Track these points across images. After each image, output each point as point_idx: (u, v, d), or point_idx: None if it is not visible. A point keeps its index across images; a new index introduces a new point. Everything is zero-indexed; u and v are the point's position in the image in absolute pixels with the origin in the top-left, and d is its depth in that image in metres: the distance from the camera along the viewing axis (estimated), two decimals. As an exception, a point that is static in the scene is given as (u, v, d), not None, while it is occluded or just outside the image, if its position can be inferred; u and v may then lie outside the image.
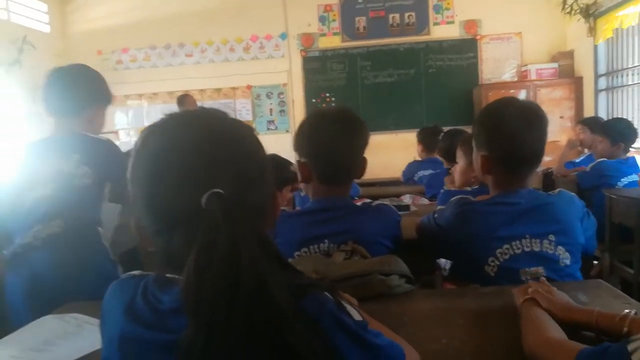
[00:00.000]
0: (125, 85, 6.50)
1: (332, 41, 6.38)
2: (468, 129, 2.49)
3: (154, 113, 6.45)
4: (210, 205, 0.59)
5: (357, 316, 0.68)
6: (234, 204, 0.60)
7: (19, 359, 1.02)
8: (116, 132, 6.57)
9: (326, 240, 1.37)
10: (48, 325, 1.18)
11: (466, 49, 6.23)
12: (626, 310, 0.90)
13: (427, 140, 3.56)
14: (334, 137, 1.37)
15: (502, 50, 6.20)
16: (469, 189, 2.14)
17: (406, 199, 2.60)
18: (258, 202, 0.69)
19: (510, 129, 1.33)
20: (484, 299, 1.19)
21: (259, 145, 0.74)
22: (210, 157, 0.65)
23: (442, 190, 2.20)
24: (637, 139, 3.25)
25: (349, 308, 0.67)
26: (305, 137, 1.41)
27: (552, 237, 1.33)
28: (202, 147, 0.65)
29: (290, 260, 1.37)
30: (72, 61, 6.83)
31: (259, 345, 0.57)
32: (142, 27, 6.44)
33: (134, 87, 6.45)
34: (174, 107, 6.24)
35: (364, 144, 1.44)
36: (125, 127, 6.62)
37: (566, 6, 5.40)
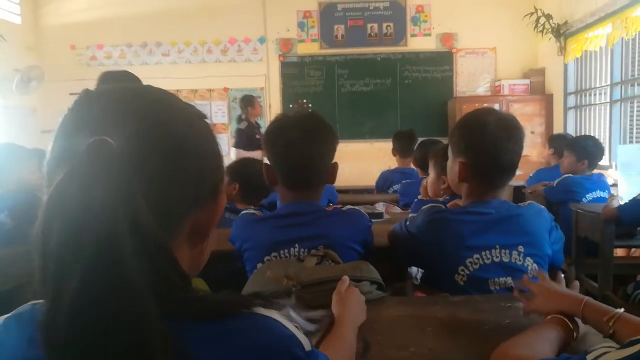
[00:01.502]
0: (99, 82, 6.37)
1: (311, 47, 6.40)
2: (443, 140, 2.52)
3: (127, 111, 6.35)
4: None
5: (307, 344, 0.57)
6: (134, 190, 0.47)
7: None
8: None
9: (297, 245, 1.37)
10: None
11: (442, 61, 6.34)
12: (616, 310, 0.89)
13: (402, 145, 3.59)
14: (295, 141, 1.36)
15: (477, 64, 6.33)
16: (440, 199, 2.16)
17: (379, 207, 2.62)
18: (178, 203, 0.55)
19: (490, 137, 1.35)
20: (454, 308, 1.20)
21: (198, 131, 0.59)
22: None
23: (415, 200, 2.21)
24: (602, 157, 3.35)
25: (299, 333, 0.56)
26: (267, 141, 1.41)
27: (521, 248, 1.35)
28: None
29: (260, 264, 1.36)
30: (44, 55, 6.72)
31: None
32: (118, 24, 6.34)
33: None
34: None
35: (330, 148, 1.43)
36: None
37: (539, 25, 5.55)
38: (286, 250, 1.37)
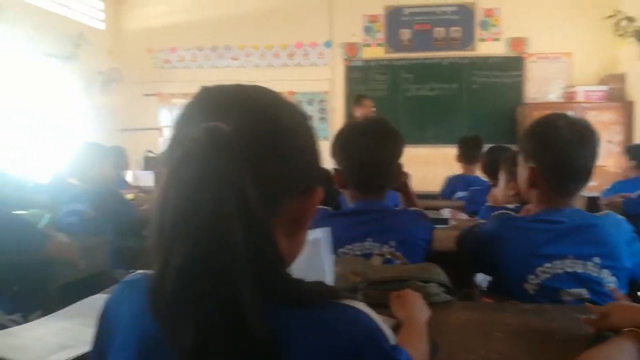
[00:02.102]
0: (171, 83, 6.69)
1: (376, 52, 6.40)
2: (511, 147, 2.47)
3: (197, 112, 6.62)
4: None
5: (392, 337, 0.57)
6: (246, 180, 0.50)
7: (71, 330, 1.08)
8: (160, 129, 6.77)
9: (369, 239, 1.42)
10: (98, 303, 1.23)
11: (511, 66, 6.14)
12: None
13: (467, 151, 3.51)
14: (366, 147, 1.44)
15: (549, 69, 6.08)
16: (510, 206, 2.12)
17: (445, 213, 2.59)
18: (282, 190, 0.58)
19: (562, 140, 1.32)
20: (524, 315, 1.18)
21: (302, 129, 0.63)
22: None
23: (484, 206, 2.18)
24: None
25: (384, 326, 0.56)
26: (339, 147, 1.49)
27: (597, 260, 1.30)
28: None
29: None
30: (124, 58, 7.11)
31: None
32: (191, 28, 6.62)
33: (179, 85, 6.63)
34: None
35: (397, 153, 1.52)
36: (169, 124, 6.80)
37: (619, 28, 5.26)
38: (358, 244, 1.42)
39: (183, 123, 0.58)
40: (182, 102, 6.73)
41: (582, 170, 1.34)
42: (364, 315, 0.55)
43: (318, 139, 0.65)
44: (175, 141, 0.56)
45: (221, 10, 6.56)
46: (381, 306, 1.13)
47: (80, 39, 5.83)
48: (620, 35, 5.30)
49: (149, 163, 5.72)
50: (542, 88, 6.11)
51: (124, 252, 2.66)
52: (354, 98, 5.32)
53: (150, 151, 5.85)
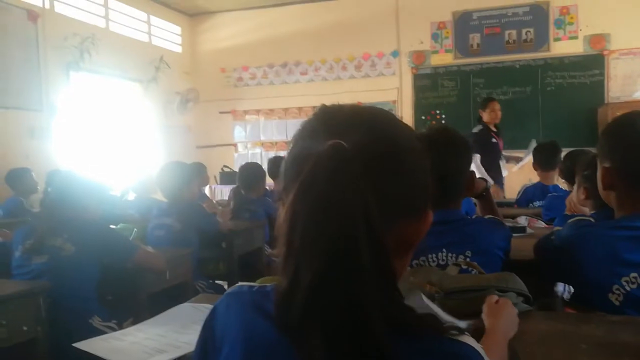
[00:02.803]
0: (244, 101, 6.97)
1: (444, 58, 6.32)
2: (592, 151, 2.34)
3: (270, 128, 6.84)
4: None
5: None
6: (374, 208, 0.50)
7: (164, 337, 1.17)
8: (234, 145, 7.05)
9: (444, 250, 1.41)
10: (185, 312, 1.33)
11: (591, 65, 5.84)
12: None
13: (543, 157, 3.37)
14: (434, 160, 1.41)
15: (634, 66, 5.71)
16: (587, 212, 2.02)
17: (522, 221, 2.50)
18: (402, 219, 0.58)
19: (636, 135, 1.26)
20: (612, 327, 1.12)
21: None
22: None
23: (562, 214, 2.09)
24: None
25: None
26: None
27: None
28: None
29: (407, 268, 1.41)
30: (199, 78, 7.52)
31: None
32: (260, 47, 6.88)
33: (252, 102, 6.89)
34: (289, 123, 6.56)
35: (466, 163, 1.50)
36: (242, 140, 7.07)
37: None
38: (434, 255, 1.41)
39: (304, 139, 0.59)
40: (255, 118, 7.01)
41: None
42: (473, 353, 0.53)
43: (429, 161, 0.64)
44: (299, 157, 0.57)
45: (288, 27, 6.76)
46: (457, 316, 1.13)
47: (160, 62, 6.23)
48: None
49: (225, 177, 5.97)
50: (627, 86, 5.74)
51: (205, 264, 2.80)
52: (480, 102, 5.09)
53: (226, 166, 6.12)
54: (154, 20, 6.57)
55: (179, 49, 7.08)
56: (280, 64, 6.90)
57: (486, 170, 3.84)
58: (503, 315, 1.05)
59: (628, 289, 1.25)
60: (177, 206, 2.77)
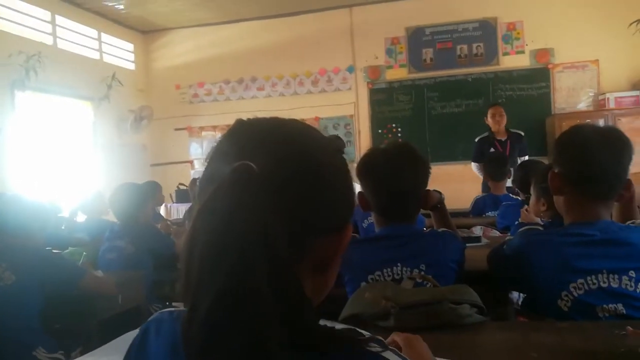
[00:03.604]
0: (200, 117, 6.88)
1: (399, 73, 6.44)
2: (543, 160, 2.43)
3: (226, 144, 6.76)
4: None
5: None
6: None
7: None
8: (191, 162, 6.93)
9: (399, 264, 1.41)
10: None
11: (537, 78, 6.07)
12: None
13: (493, 169, 3.48)
14: (391, 175, 1.44)
15: (577, 78, 5.98)
16: (540, 222, 2.08)
17: (477, 231, 2.55)
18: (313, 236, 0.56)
19: (584, 143, 1.31)
20: (561, 334, 1.15)
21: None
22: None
23: (516, 223, 2.15)
24: None
25: None
26: (364, 173, 1.50)
27: (632, 274, 1.26)
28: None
29: (362, 284, 1.40)
30: (154, 96, 7.39)
31: None
32: (216, 63, 6.82)
33: (208, 119, 6.81)
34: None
35: (422, 179, 1.51)
36: (199, 157, 6.95)
37: (647, 32, 5.16)
38: (389, 269, 1.42)
39: (215, 159, 0.58)
40: (212, 134, 6.92)
41: (607, 174, 1.30)
42: None
43: (350, 176, 0.63)
44: (206, 178, 0.56)
45: (244, 43, 6.74)
46: (413, 330, 1.13)
47: (113, 80, 6.08)
48: (648, 39, 5.19)
49: (181, 196, 5.85)
50: (571, 98, 6.00)
51: (160, 286, 2.71)
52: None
53: (181, 184, 6.00)
54: (105, 37, 6.41)
55: (132, 66, 6.93)
56: (236, 79, 6.86)
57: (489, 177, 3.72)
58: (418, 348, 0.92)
59: (576, 294, 1.28)
60: (131, 228, 2.69)
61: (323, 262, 0.59)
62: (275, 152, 0.55)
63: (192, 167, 6.90)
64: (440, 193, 1.76)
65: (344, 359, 0.51)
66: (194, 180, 4.02)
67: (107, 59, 6.41)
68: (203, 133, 6.94)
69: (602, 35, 5.82)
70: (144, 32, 7.08)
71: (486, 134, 4.80)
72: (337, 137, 0.92)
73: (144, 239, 2.67)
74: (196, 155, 6.95)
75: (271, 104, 6.62)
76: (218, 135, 7.09)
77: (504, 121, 4.73)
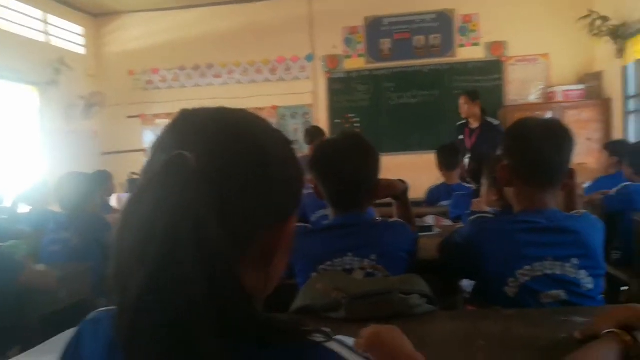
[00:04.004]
0: (155, 104, 6.68)
1: (357, 63, 6.45)
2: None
3: (182, 132, 6.60)
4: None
5: None
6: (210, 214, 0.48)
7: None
8: (144, 150, 6.74)
9: (349, 254, 1.42)
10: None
11: (491, 70, 6.21)
12: None
13: (445, 159, 3.54)
14: (341, 165, 1.46)
15: (528, 71, 6.16)
16: (491, 210, 2.12)
17: (429, 220, 2.59)
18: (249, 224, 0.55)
19: (528, 135, 1.36)
20: (507, 322, 1.17)
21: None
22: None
23: (467, 212, 2.19)
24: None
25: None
26: (316, 164, 1.50)
27: (575, 261, 1.30)
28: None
29: (313, 274, 1.39)
30: (106, 81, 7.11)
31: None
32: (172, 49, 6.63)
33: (162, 106, 6.61)
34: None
35: (372, 168, 1.52)
36: (153, 145, 6.76)
37: (594, 28, 5.35)
38: (339, 259, 1.42)
39: (156, 149, 0.56)
40: (166, 122, 6.68)
41: (553, 164, 1.35)
42: (333, 356, 0.52)
43: (299, 167, 0.62)
44: (145, 169, 0.55)
45: (201, 29, 6.58)
46: (365, 321, 1.13)
47: (61, 64, 5.80)
48: (595, 34, 5.39)
49: (133, 185, 5.68)
50: (522, 90, 6.18)
51: (108, 279, 2.62)
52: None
53: (134, 173, 5.82)
54: (53, 19, 6.10)
55: (82, 50, 6.64)
56: (192, 66, 6.69)
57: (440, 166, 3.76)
58: (390, 339, 0.90)
59: (522, 281, 1.32)
60: (77, 219, 2.59)
61: (266, 254, 0.58)
62: (216, 142, 0.54)
63: (146, 155, 6.69)
64: (404, 182, 1.77)
65: (282, 350, 0.50)
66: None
67: (54, 42, 6.11)
68: (157, 121, 6.74)
69: (553, 30, 6.01)
70: (95, 15, 6.79)
71: (464, 120, 4.92)
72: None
73: (92, 230, 2.57)
74: (149, 143, 6.74)
75: (228, 92, 6.50)
76: (173, 123, 6.89)
77: (465, 110, 4.87)
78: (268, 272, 0.59)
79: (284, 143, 0.61)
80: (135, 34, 6.77)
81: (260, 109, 6.51)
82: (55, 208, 2.87)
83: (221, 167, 0.52)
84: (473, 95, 4.93)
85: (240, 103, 6.88)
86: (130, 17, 6.78)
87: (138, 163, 5.90)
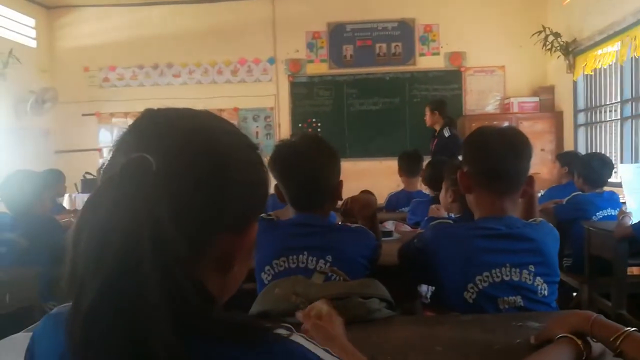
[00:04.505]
0: (111, 103, 6.48)
1: (320, 68, 6.47)
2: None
3: (139, 132, 6.43)
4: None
5: None
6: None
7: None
8: (99, 150, 6.52)
9: (305, 252, 1.41)
10: (19, 343, 1.15)
11: (451, 80, 6.36)
12: (625, 328, 0.86)
13: (407, 165, 3.58)
14: (296, 167, 1.48)
15: (486, 82, 6.34)
16: (451, 215, 2.16)
17: (389, 225, 2.61)
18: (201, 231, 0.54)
19: (487, 143, 1.39)
20: (463, 327, 1.18)
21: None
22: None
23: (426, 218, 2.21)
24: (609, 175, 3.30)
25: (327, 357, 0.54)
26: (276, 166, 1.49)
27: (532, 268, 1.33)
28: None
29: (267, 267, 1.39)
30: (59, 77, 6.83)
31: None
32: (130, 46, 6.46)
33: (119, 105, 6.43)
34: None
35: (332, 170, 1.51)
36: (108, 144, 6.56)
37: (547, 43, 5.56)
38: (295, 257, 1.42)
39: (118, 150, 0.55)
40: (123, 121, 6.55)
41: (511, 171, 1.37)
42: (303, 349, 0.52)
43: (264, 172, 0.61)
44: (104, 169, 0.54)
45: (160, 27, 6.44)
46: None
47: (9, 57, 5.54)
48: (548, 49, 5.61)
49: (87, 185, 5.48)
50: (480, 100, 6.36)
51: (58, 282, 2.51)
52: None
53: (88, 173, 5.61)
54: (1, 9, 5.82)
55: (33, 44, 6.36)
56: (151, 65, 6.53)
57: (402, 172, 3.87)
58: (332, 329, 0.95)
59: (481, 287, 1.34)
60: (25, 220, 2.46)
61: (227, 259, 0.57)
62: (178, 144, 0.54)
63: (101, 155, 6.49)
64: (371, 193, 1.76)
65: (250, 346, 0.50)
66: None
67: (2, 33, 5.83)
68: (113, 119, 6.54)
69: (509, 43, 6.22)
70: (47, 7, 6.54)
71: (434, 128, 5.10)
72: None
73: (40, 232, 2.45)
74: (105, 142, 6.54)
75: (188, 92, 6.38)
76: (129, 122, 6.70)
77: (427, 119, 5.08)
78: (228, 275, 0.59)
79: (247, 147, 0.60)
80: (91, 29, 6.56)
81: (221, 110, 6.42)
82: (2, 209, 2.73)
83: (178, 169, 0.52)
84: (433, 105, 5.09)
85: (201, 104, 6.79)
86: (86, 11, 6.56)
87: (92, 162, 5.73)
